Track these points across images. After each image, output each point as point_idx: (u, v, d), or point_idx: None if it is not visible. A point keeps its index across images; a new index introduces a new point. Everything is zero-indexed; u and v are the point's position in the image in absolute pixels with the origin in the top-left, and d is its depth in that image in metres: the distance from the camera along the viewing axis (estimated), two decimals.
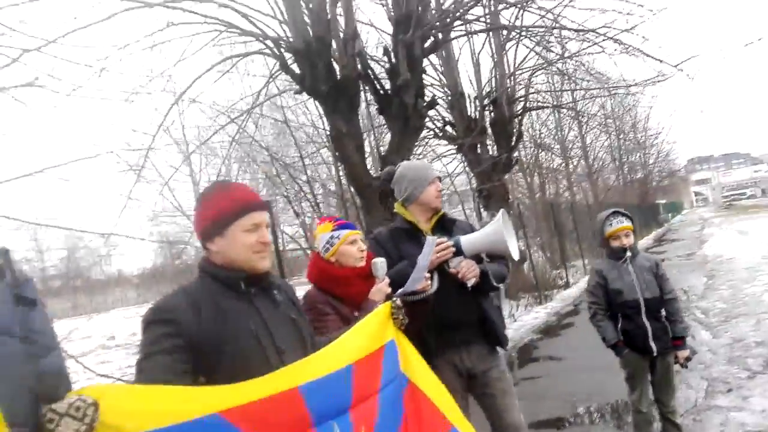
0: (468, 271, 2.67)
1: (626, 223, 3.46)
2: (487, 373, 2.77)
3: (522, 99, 13.47)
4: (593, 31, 8.26)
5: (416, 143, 8.91)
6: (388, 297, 2.36)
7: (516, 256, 2.76)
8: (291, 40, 7.00)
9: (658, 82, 9.48)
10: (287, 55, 7.15)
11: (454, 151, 13.06)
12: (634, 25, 7.79)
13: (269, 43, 7.06)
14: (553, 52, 10.89)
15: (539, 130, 19.85)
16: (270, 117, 9.60)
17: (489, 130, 12.47)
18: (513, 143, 12.74)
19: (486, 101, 12.39)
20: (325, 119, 8.41)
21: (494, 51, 12.61)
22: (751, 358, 5.35)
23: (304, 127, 12.28)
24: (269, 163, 11.03)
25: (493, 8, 9.95)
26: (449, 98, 12.23)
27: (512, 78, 12.89)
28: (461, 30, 9.25)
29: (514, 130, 12.89)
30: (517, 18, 10.43)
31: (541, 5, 8.58)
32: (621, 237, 3.45)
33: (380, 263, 2.48)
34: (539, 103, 14.70)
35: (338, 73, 7.02)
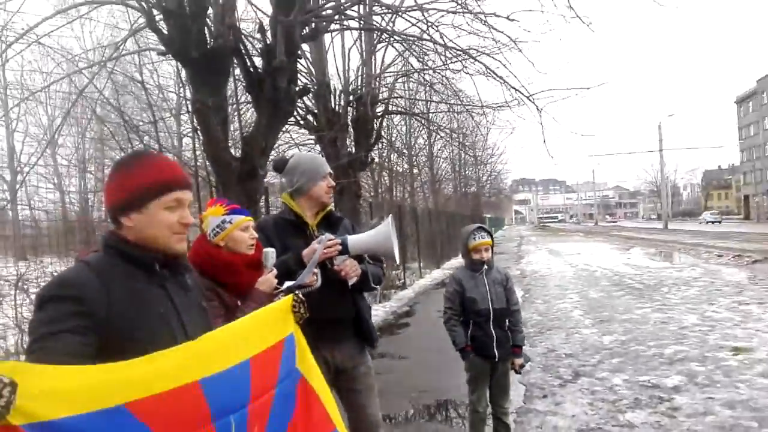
0: (351, 270, 2.69)
1: (487, 239, 3.72)
2: (355, 368, 2.83)
3: (384, 101, 13.81)
4: (459, 49, 8.76)
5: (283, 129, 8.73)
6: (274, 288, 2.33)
7: (398, 259, 2.83)
8: None
9: (509, 107, 10.36)
10: (155, 12, 6.59)
11: (313, 142, 13.02)
12: (497, 51, 8.43)
13: None
14: (420, 61, 11.31)
15: (391, 134, 20.55)
16: (125, 74, 8.74)
17: (350, 127, 12.62)
18: (372, 142, 13.02)
19: (351, 98, 12.51)
20: (186, 88, 7.91)
21: (364, 50, 12.79)
22: (563, 368, 6.04)
23: (151, 90, 11.42)
24: (112, 122, 10.10)
25: (369, 9, 10.08)
26: (315, 89, 12.16)
27: (378, 79, 13.19)
28: (338, 24, 9.24)
29: (374, 131, 13.19)
30: (390, 22, 10.67)
31: (414, 16, 8.90)
32: (482, 251, 3.70)
33: (271, 253, 2.42)
34: (399, 108, 15.17)
35: (210, 42, 6.63)
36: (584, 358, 6.41)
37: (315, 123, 12.16)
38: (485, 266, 3.69)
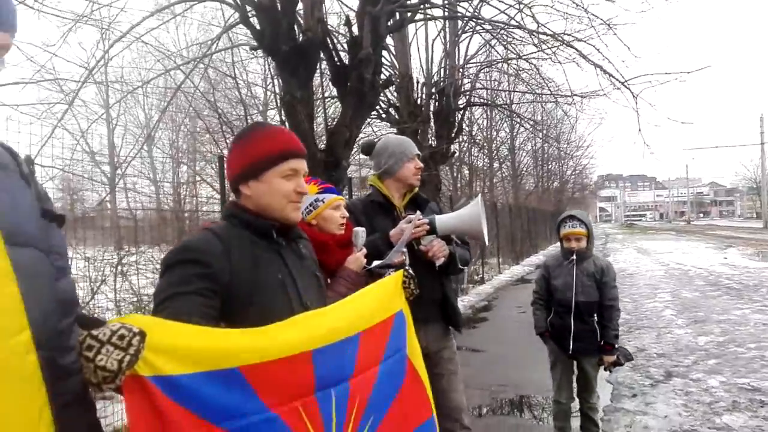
0: (438, 250, 2.69)
1: (578, 228, 3.61)
2: (439, 353, 2.83)
3: (467, 93, 13.68)
4: (550, 34, 8.51)
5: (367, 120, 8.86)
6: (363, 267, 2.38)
7: (488, 241, 2.82)
8: None
9: (602, 94, 9.99)
10: (248, 8, 6.87)
11: (255, 121, 13.09)
12: (592, 35, 8.14)
13: None
14: (507, 50, 11.09)
15: (472, 127, 20.29)
16: (219, 70, 9.16)
17: (432, 120, 12.59)
18: (453, 135, 12.93)
19: (433, 90, 12.48)
20: (277, 81, 8.18)
21: (448, 41, 12.70)
22: (654, 368, 5.78)
23: (243, 86, 11.88)
24: (206, 117, 10.59)
25: None
26: (397, 81, 12.22)
27: (461, 70, 13.07)
28: (423, 13, 9.25)
29: (456, 123, 13.10)
30: (476, 10, 10.53)
31: (499, 5, 8.73)
32: (572, 240, 3.61)
33: (361, 232, 2.46)
34: (482, 100, 14.98)
35: (299, 36, 6.83)
36: (677, 358, 6.11)
37: (397, 116, 12.24)
38: (574, 256, 3.59)
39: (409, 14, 8.13)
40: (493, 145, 22.50)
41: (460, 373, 2.93)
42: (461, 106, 13.57)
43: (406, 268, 2.12)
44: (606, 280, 3.63)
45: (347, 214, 2.51)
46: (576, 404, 3.74)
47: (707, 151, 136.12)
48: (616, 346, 3.60)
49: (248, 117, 8.17)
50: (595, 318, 3.58)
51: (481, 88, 14.69)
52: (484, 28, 10.69)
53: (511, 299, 11.08)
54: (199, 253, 1.45)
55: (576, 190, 46.63)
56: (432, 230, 2.67)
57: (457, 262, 2.80)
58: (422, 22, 11.37)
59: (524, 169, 26.79)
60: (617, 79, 8.46)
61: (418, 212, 2.65)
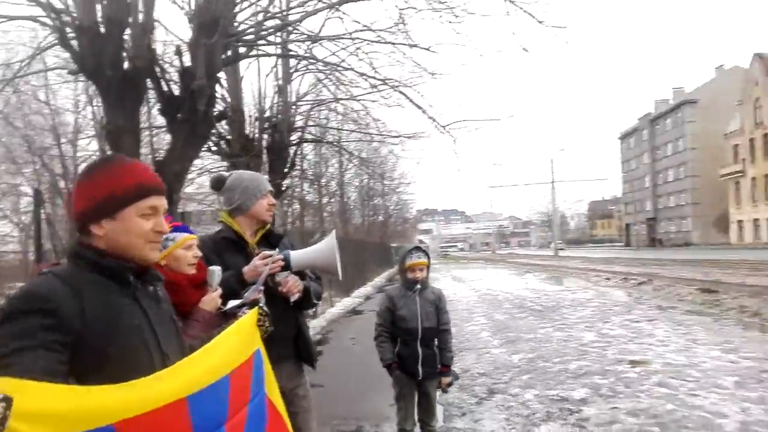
0: (293, 286, 2.71)
1: (423, 259, 3.88)
2: (294, 390, 2.81)
3: (300, 129, 13.88)
4: (380, 79, 9.07)
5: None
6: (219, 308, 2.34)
7: (341, 275, 2.92)
8: (75, 14, 6.26)
9: (424, 136, 10.84)
10: (68, 30, 6.36)
11: (225, 169, 12.81)
12: (415, 83, 8.83)
13: (47, 11, 6.20)
14: (340, 90, 11.52)
15: (302, 163, 20.57)
16: (29, 94, 8.20)
17: (265, 154, 12.55)
18: (286, 170, 12.99)
19: (266, 125, 12.48)
20: (95, 108, 7.62)
21: (281, 77, 12.85)
22: (478, 386, 6.29)
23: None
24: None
25: (286, 35, 10.20)
26: (230, 114, 12.03)
27: (294, 107, 13.26)
28: (257, 49, 9.29)
29: (289, 158, 13.20)
30: (308, 50, 10.83)
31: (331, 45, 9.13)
32: (416, 270, 3.85)
33: (217, 272, 2.42)
34: (314, 136, 15.29)
35: (126, 62, 6.47)
36: (497, 376, 6.72)
37: (228, 149, 12.00)
38: (419, 285, 3.84)
39: (244, 49, 8.12)
40: (323, 180, 22.99)
41: (314, 411, 2.96)
42: (294, 142, 13.73)
43: (260, 305, 2.12)
44: (441, 306, 3.92)
45: (200, 253, 2.45)
46: (417, 430, 3.94)
47: (506, 189, 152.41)
48: (451, 367, 3.91)
49: (60, 144, 7.42)
50: (435, 342, 3.85)
51: (313, 125, 14.99)
52: (317, 68, 11.00)
53: (344, 331, 11.29)
54: (44, 302, 1.28)
55: (399, 223, 49.26)
56: (286, 266, 2.70)
57: (312, 296, 2.85)
58: (255, 58, 11.38)
59: (352, 204, 27.67)
60: (439, 124, 9.27)
61: (277, 249, 2.67)
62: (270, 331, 1.98)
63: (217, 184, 2.96)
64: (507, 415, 5.23)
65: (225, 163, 12.54)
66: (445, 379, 3.87)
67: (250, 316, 1.91)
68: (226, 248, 2.79)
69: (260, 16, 8.86)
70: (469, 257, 70.88)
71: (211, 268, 2.42)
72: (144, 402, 1.27)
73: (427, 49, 7.89)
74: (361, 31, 8.23)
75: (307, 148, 20.84)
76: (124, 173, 1.47)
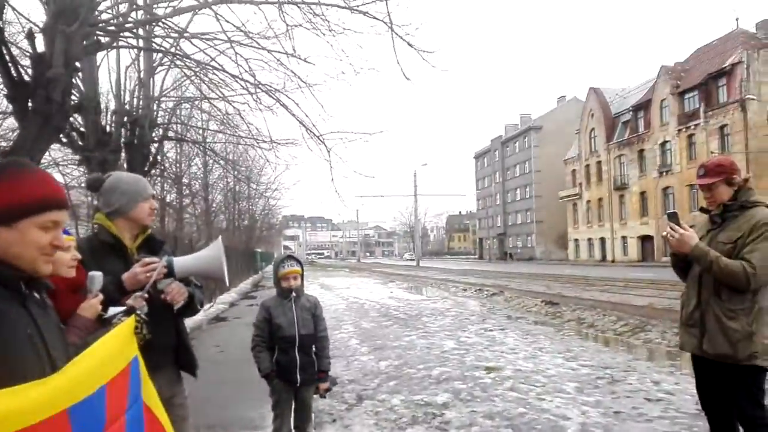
0: (177, 293, 2.63)
1: (296, 267, 3.90)
2: (171, 399, 2.72)
3: (163, 126, 13.18)
4: (252, 82, 8.90)
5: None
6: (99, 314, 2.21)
7: (227, 282, 2.86)
8: None
9: (295, 144, 10.80)
10: None
11: (77, 163, 11.82)
12: (288, 90, 8.79)
13: None
14: (210, 88, 11.11)
15: (164, 161, 19.51)
16: None
17: (123, 150, 11.75)
18: (146, 169, 12.25)
19: (126, 119, 11.69)
20: None
21: (143, 70, 12.15)
22: (347, 393, 6.38)
23: None
24: None
25: (151, 28, 9.68)
26: (83, 104, 11.10)
27: (158, 102, 12.59)
28: (123, 40, 8.71)
29: (150, 155, 12.47)
30: (175, 45, 10.35)
31: (200, 43, 8.81)
32: (290, 279, 3.86)
33: (98, 277, 2.28)
34: (177, 134, 14.59)
35: None
36: (365, 382, 6.86)
37: (81, 142, 11.07)
38: (294, 293, 3.85)
39: (106, 39, 7.58)
40: (184, 180, 21.94)
41: (191, 419, 2.88)
42: (156, 139, 13.01)
43: (137, 312, 2.05)
44: (318, 313, 3.98)
45: (79, 256, 2.29)
46: None
47: (372, 199, 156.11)
48: (329, 372, 3.97)
49: None
50: (313, 349, 3.88)
51: (178, 123, 14.30)
52: (185, 64, 10.52)
53: (209, 338, 10.85)
54: None
55: (264, 228, 48.35)
56: (170, 272, 2.60)
57: (196, 304, 2.78)
58: (115, 48, 10.63)
59: (218, 207, 26.70)
60: (313, 133, 9.30)
61: (166, 256, 2.56)
62: (148, 338, 1.93)
63: (95, 184, 2.78)
64: (376, 420, 5.36)
65: (77, 157, 11.58)
66: (323, 385, 3.93)
67: (127, 324, 1.85)
68: (104, 252, 2.62)
69: (124, 7, 8.35)
70: (336, 265, 71.40)
71: (91, 273, 2.27)
72: (27, 415, 1.20)
73: (304, 60, 7.92)
74: (234, 32, 8.03)
75: (168, 145, 19.86)
76: (27, 183, 1.42)
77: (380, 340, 9.90)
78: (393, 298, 19.05)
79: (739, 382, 3.00)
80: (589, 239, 60.43)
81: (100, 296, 2.26)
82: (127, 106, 11.96)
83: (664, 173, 48.42)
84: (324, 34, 7.60)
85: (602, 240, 57.84)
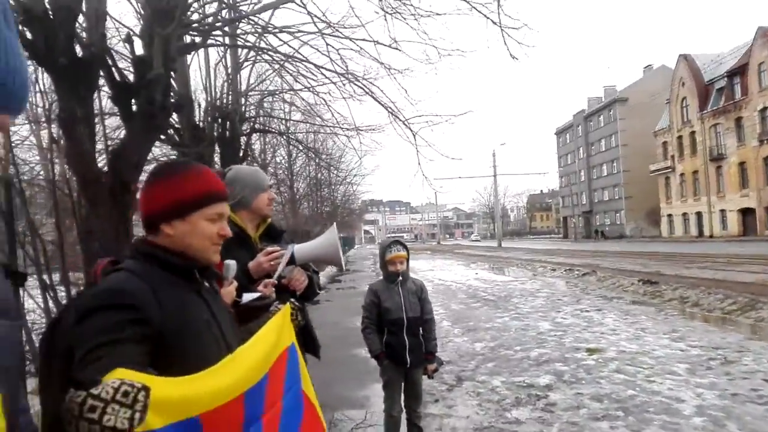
0: (298, 280, 2.74)
1: (402, 252, 3.95)
2: None
3: (252, 119, 13.67)
4: (341, 72, 9.01)
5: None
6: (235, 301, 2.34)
7: (344, 266, 2.96)
8: (25, 0, 5.96)
9: (381, 130, 10.87)
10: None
11: (175, 158, 12.50)
12: (374, 78, 8.82)
13: None
14: (298, 81, 11.36)
15: (253, 152, 20.22)
16: None
17: (216, 144, 12.29)
18: (238, 161, 12.76)
19: (217, 114, 12.21)
20: (44, 96, 7.29)
21: (230, 66, 12.62)
22: (446, 374, 6.41)
23: None
24: None
25: (236, 25, 9.98)
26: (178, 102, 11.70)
27: (246, 96, 13.04)
28: (213, 39, 9.06)
29: (241, 148, 12.97)
30: (259, 40, 10.63)
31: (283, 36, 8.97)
32: (396, 263, 3.92)
33: (233, 266, 2.40)
34: (266, 127, 15.08)
35: (80, 49, 6.23)
36: (462, 364, 6.88)
37: (178, 138, 11.68)
38: (400, 277, 3.90)
39: (199, 38, 7.92)
40: (270, 169, 22.67)
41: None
42: (246, 132, 13.50)
43: (292, 300, 2.14)
44: (424, 296, 4.02)
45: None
46: (404, 415, 4.02)
47: (450, 181, 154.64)
48: (436, 354, 4.02)
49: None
50: (421, 331, 3.93)
51: (267, 116, 14.76)
52: (272, 57, 10.80)
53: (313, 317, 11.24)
54: (127, 296, 1.34)
55: (345, 214, 49.24)
56: (291, 260, 2.71)
57: (315, 287, 2.88)
58: (203, 47, 11.10)
59: (302, 194, 27.46)
60: (398, 117, 9.31)
61: (285, 245, 2.67)
62: (302, 324, 2.02)
63: None
64: (478, 401, 5.38)
65: (175, 153, 12.23)
66: (431, 366, 3.99)
67: (284, 311, 1.93)
68: (230, 243, 2.75)
69: (210, 6, 8.66)
70: (416, 248, 71.65)
71: (227, 261, 2.39)
72: (221, 394, 1.31)
73: (389, 46, 7.89)
74: (317, 22, 8.11)
75: (253, 137, 20.54)
76: (195, 179, 1.56)
77: (472, 322, 9.86)
78: (479, 279, 18.90)
79: None
80: (684, 214, 57.09)
81: (235, 283, 2.39)
82: (217, 102, 12.49)
83: (766, 141, 44.83)
84: (405, 18, 7.55)
85: (698, 215, 54.46)
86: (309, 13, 7.41)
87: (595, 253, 31.20)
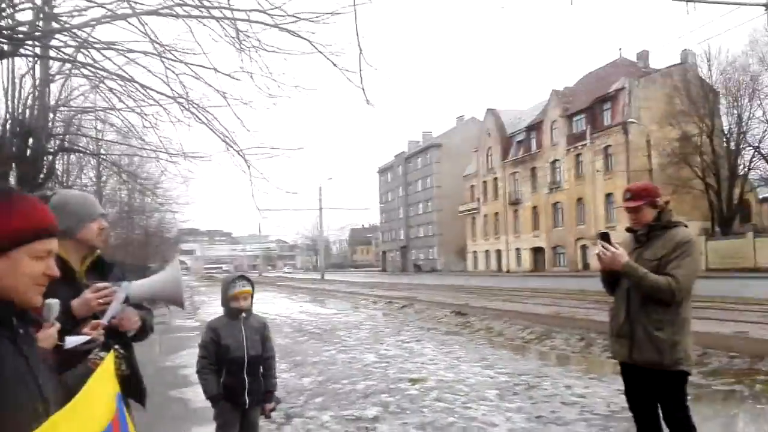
0: (131, 320, 2.53)
1: (247, 288, 3.83)
2: None
3: (60, 136, 12.33)
4: (170, 95, 8.56)
5: None
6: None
7: (185, 305, 2.78)
8: None
9: (206, 158, 10.49)
10: None
11: None
12: (208, 106, 8.54)
13: None
14: (116, 96, 10.51)
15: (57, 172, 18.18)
16: None
17: (14, 162, 10.86)
18: (41, 181, 11.39)
19: (18, 129, 10.82)
20: None
21: (39, 78, 11.32)
22: (275, 412, 6.20)
23: None
24: None
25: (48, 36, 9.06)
26: None
27: (55, 112, 11.76)
28: (27, 49, 8.09)
29: (44, 167, 11.61)
30: (77, 52, 9.75)
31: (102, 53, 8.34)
32: (240, 299, 3.78)
33: (54, 305, 2.14)
34: (75, 146, 13.68)
35: None
36: (291, 400, 6.77)
37: None
38: (243, 314, 3.78)
39: (8, 47, 7.05)
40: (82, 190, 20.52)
41: None
42: (51, 150, 12.12)
43: (116, 348, 1.98)
44: (267, 334, 3.92)
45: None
46: None
47: (275, 213, 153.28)
48: (275, 392, 3.93)
49: None
50: (261, 370, 3.82)
51: (76, 134, 13.39)
52: (92, 72, 9.91)
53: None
54: None
55: (159, 243, 46.15)
56: (125, 298, 2.50)
57: (148, 329, 2.68)
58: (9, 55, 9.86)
59: (114, 220, 25.19)
60: (232, 147, 9.10)
61: (124, 282, 2.45)
62: (126, 374, 1.86)
63: None
64: None
65: None
66: (269, 405, 3.89)
67: (108, 360, 1.77)
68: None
69: (26, 14, 7.78)
70: None
71: (48, 301, 2.13)
72: None
73: (229, 75, 7.73)
74: (144, 42, 7.66)
75: (59, 156, 18.50)
76: (21, 210, 1.36)
77: (299, 356, 9.80)
78: (304, 312, 18.89)
79: (666, 387, 3.34)
80: (487, 251, 63.18)
81: (57, 325, 2.14)
82: (19, 116, 11.08)
83: (554, 189, 51.74)
84: (246, 49, 7.47)
85: (498, 252, 60.68)
86: (145, 32, 6.98)
87: (412, 285, 32.98)
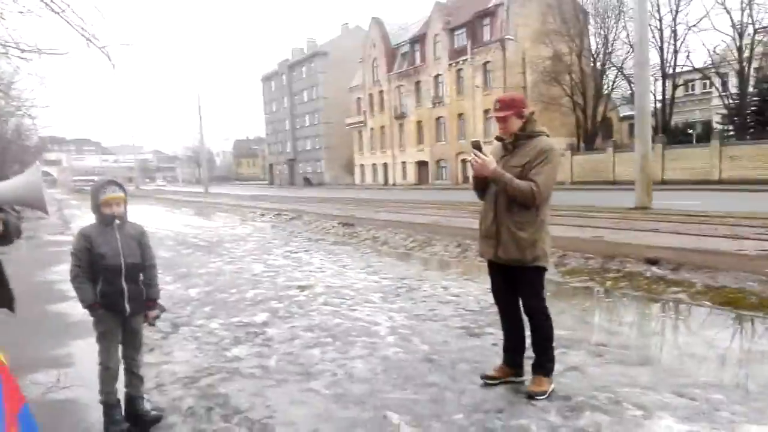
0: None
1: (119, 193, 3.67)
2: None
3: None
4: None
5: None
6: None
7: (48, 211, 2.66)
8: None
9: (64, 54, 9.57)
10: None
11: None
12: None
13: None
14: None
15: None
16: None
17: None
18: None
19: None
20: None
21: None
22: (161, 323, 6.13)
23: None
24: None
25: None
26: None
27: None
28: None
29: None
30: None
31: None
32: (112, 205, 3.63)
33: None
34: None
35: None
36: (177, 311, 6.74)
37: None
38: (117, 221, 3.64)
39: None
40: None
41: None
42: None
43: None
44: (145, 241, 3.82)
45: None
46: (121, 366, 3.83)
47: (150, 121, 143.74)
48: (158, 300, 3.90)
49: None
50: (141, 278, 3.76)
51: None
52: None
53: None
54: None
55: (18, 151, 41.97)
56: None
57: (12, 233, 2.56)
58: None
59: None
60: (90, 41, 8.35)
61: None
62: None
63: None
64: (197, 344, 5.40)
65: None
66: (152, 313, 3.85)
67: None
68: None
69: None
70: None
71: None
72: None
73: None
74: None
75: None
76: None
77: (184, 268, 9.65)
78: (188, 225, 18.37)
79: (526, 280, 3.74)
80: (374, 165, 63.98)
81: None
82: None
83: (437, 104, 52.75)
84: None
85: (385, 165, 61.69)
86: None
87: (300, 199, 32.99)
